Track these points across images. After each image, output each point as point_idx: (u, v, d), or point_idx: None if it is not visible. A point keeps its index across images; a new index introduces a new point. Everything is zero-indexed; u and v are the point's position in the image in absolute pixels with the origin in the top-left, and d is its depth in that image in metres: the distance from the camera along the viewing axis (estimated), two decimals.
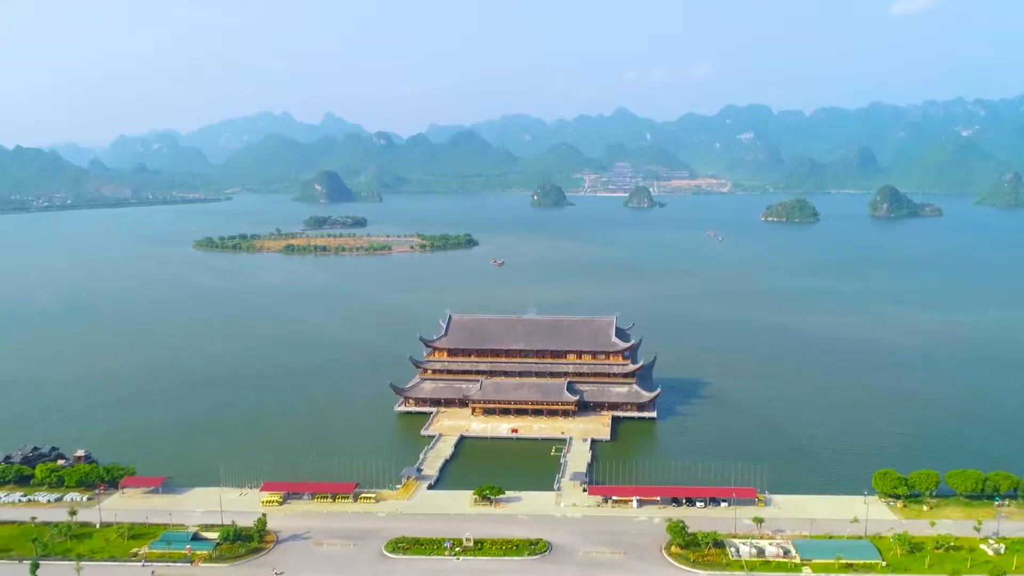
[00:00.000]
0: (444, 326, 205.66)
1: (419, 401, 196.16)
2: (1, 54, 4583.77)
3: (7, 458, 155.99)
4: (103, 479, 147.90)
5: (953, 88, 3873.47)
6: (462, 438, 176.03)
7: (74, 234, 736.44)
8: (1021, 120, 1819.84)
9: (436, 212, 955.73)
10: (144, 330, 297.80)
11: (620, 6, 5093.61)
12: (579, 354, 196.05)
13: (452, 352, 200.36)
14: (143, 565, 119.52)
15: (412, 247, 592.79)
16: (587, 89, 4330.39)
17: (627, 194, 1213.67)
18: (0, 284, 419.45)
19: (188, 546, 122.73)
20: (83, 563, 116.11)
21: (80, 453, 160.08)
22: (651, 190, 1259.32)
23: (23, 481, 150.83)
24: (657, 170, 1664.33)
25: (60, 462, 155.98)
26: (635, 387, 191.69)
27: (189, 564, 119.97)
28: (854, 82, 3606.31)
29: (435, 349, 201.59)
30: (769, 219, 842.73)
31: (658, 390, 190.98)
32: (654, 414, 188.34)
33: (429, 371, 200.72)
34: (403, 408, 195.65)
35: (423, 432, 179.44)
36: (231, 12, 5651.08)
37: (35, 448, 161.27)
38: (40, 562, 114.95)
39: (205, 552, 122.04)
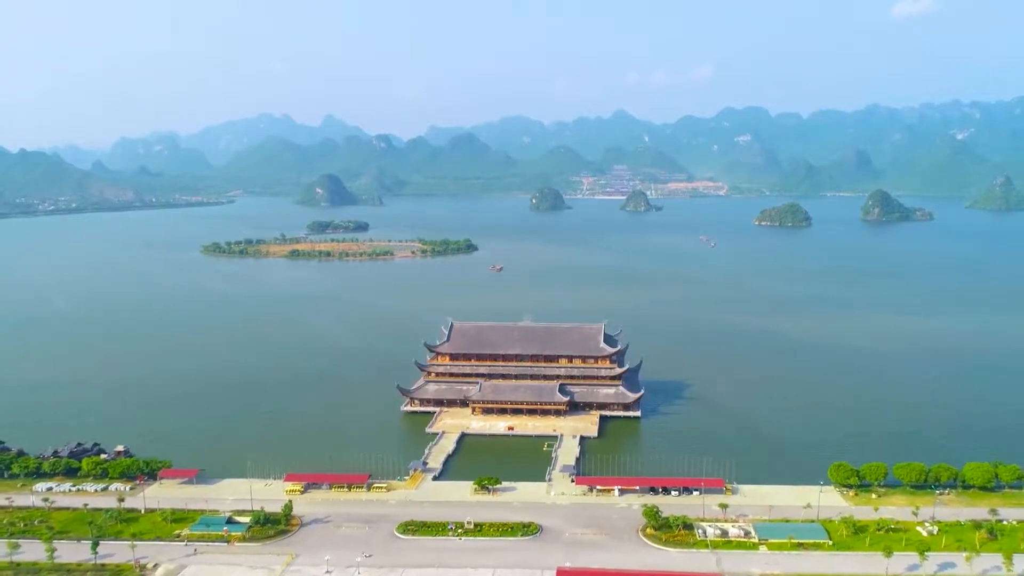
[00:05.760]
0: (446, 332, 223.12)
1: (423, 401, 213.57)
2: (2, 55, 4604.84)
3: (55, 453, 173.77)
4: (143, 471, 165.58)
5: (950, 90, 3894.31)
6: (463, 435, 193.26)
7: (83, 239, 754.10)
8: (1016, 123, 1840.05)
9: (436, 216, 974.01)
10: (163, 335, 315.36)
11: (620, 8, 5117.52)
12: (570, 358, 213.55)
13: (454, 356, 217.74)
14: (186, 544, 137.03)
15: (413, 252, 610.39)
16: (586, 91, 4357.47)
17: (625, 197, 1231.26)
18: (20, 290, 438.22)
19: (224, 528, 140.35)
20: (135, 542, 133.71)
21: (120, 448, 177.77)
22: (648, 193, 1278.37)
23: (71, 473, 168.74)
24: (655, 173, 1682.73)
25: (103, 456, 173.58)
26: (621, 389, 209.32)
27: (226, 543, 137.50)
28: (852, 84, 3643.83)
29: (438, 354, 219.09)
30: (762, 223, 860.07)
31: (642, 391, 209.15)
32: (638, 413, 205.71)
33: (432, 374, 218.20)
34: (409, 408, 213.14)
35: (427, 430, 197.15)
36: (231, 14, 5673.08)
37: (79, 444, 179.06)
38: (98, 541, 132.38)
39: (239, 533, 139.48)
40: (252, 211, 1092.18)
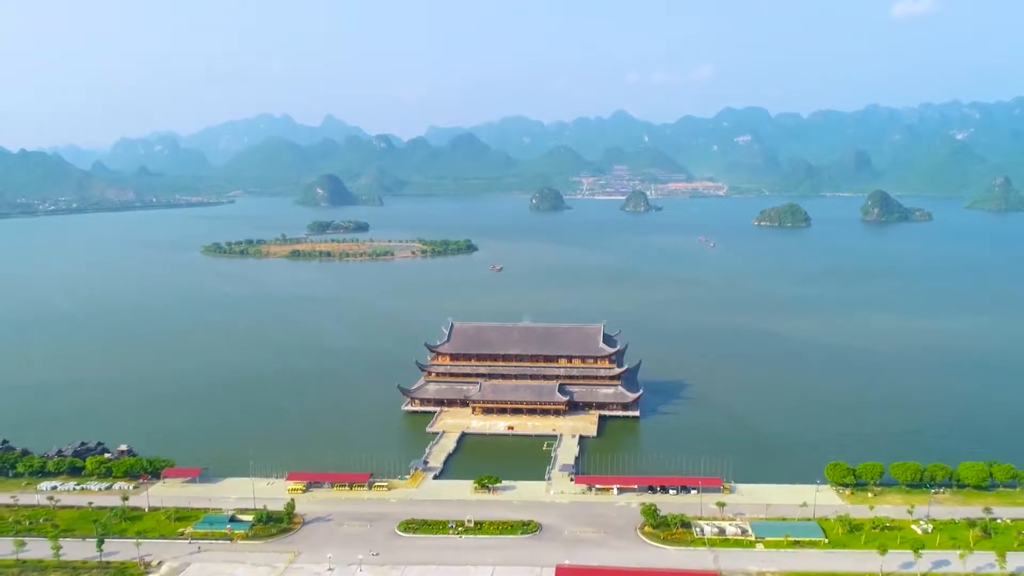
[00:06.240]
0: (447, 332, 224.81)
1: (424, 401, 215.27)
2: (2, 55, 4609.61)
3: (59, 452, 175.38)
4: (146, 470, 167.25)
5: (950, 90, 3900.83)
6: (463, 435, 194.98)
7: (84, 239, 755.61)
8: (1016, 123, 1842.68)
9: (436, 216, 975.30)
10: (164, 335, 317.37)
11: (620, 8, 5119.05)
12: (569, 358, 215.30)
13: (454, 356, 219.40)
14: (190, 542, 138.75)
15: (413, 252, 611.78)
16: (586, 91, 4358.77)
17: (624, 197, 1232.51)
18: (23, 290, 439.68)
19: (228, 526, 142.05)
20: (140, 540, 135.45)
21: (123, 447, 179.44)
22: (648, 193, 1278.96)
23: (75, 472, 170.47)
24: (655, 173, 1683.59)
25: (106, 455, 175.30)
26: (620, 388, 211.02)
27: (229, 541, 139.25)
28: (852, 84, 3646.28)
29: (438, 354, 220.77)
30: (762, 223, 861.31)
31: (641, 391, 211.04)
32: (637, 413, 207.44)
33: (433, 374, 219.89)
34: (409, 408, 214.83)
35: (428, 429, 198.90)
36: (231, 14, 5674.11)
37: (83, 443, 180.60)
38: (103, 539, 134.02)
39: (242, 531, 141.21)
40: (252, 211, 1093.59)
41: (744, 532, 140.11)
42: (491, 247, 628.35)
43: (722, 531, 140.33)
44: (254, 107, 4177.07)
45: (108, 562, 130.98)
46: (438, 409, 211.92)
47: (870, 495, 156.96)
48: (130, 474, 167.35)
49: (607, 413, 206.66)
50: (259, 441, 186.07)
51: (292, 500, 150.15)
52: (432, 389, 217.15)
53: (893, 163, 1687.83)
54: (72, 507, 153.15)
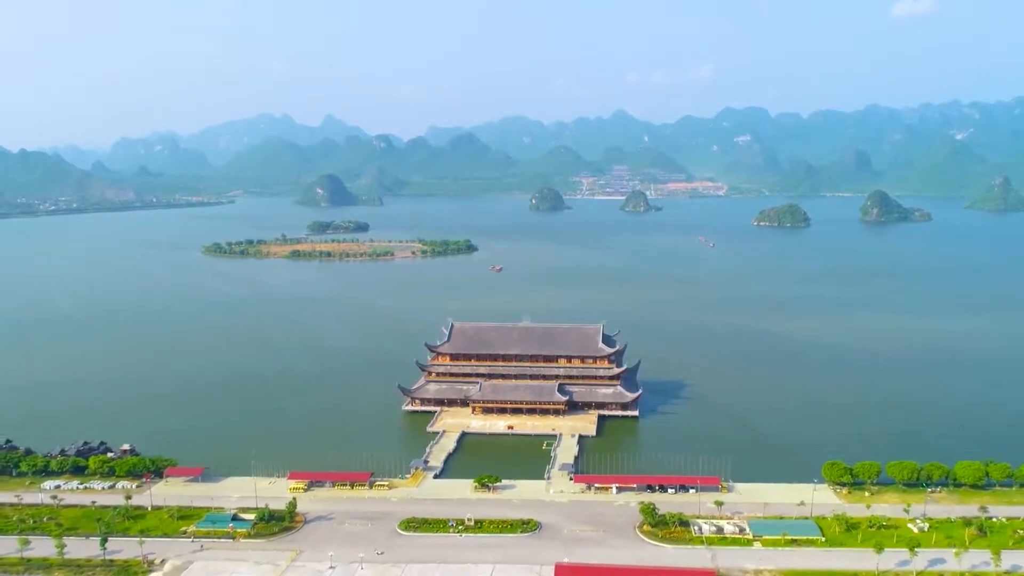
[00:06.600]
0: (447, 333, 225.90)
1: (424, 401, 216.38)
2: (2, 55, 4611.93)
3: (62, 451, 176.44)
4: (149, 469, 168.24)
5: (950, 90, 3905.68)
6: (463, 434, 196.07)
7: (84, 239, 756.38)
8: (1015, 123, 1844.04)
9: (436, 216, 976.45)
10: (165, 335, 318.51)
11: (621, 8, 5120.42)
12: (569, 359, 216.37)
13: (454, 356, 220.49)
14: (192, 540, 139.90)
15: (413, 252, 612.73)
16: (586, 91, 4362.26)
17: (624, 197, 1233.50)
18: (23, 290, 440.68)
19: (230, 525, 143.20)
20: (143, 539, 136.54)
21: (126, 447, 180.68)
22: (648, 193, 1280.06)
23: (78, 471, 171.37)
24: (654, 173, 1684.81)
25: (109, 454, 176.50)
26: (619, 388, 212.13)
27: (231, 540, 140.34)
28: (852, 84, 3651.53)
29: (439, 354, 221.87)
30: (761, 224, 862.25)
31: (640, 391, 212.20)
32: (636, 413, 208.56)
33: (433, 374, 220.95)
34: (410, 407, 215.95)
35: (428, 429, 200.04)
36: (231, 14, 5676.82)
37: (85, 443, 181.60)
38: (107, 537, 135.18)
39: (244, 530, 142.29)
40: (252, 211, 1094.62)
41: (742, 531, 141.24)
42: (491, 247, 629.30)
43: (720, 530, 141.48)
44: (254, 107, 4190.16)
45: (112, 560, 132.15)
46: (438, 409, 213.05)
47: (867, 494, 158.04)
48: (133, 473, 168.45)
49: (606, 413, 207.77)
50: (260, 441, 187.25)
51: (294, 499, 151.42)
52: (432, 389, 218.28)
53: (893, 163, 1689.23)
54: (75, 506, 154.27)
